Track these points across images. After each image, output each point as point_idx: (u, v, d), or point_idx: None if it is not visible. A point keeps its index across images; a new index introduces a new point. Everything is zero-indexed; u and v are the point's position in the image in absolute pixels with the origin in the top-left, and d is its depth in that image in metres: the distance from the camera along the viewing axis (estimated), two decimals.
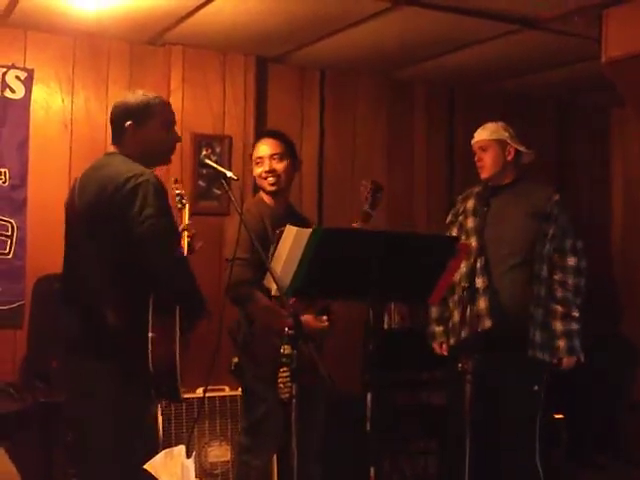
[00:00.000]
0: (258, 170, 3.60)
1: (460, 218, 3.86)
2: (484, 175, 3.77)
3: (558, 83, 5.14)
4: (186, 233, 3.21)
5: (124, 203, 2.70)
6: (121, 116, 2.93)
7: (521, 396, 3.67)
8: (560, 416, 4.36)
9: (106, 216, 2.75)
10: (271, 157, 3.58)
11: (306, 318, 3.44)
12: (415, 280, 2.87)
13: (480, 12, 3.85)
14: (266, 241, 3.48)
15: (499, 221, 3.71)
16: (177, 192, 3.43)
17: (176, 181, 3.51)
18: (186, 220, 3.31)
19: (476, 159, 3.79)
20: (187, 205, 3.40)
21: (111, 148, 2.98)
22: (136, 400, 2.81)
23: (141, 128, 2.92)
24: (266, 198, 3.64)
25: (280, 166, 3.59)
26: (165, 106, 3.01)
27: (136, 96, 2.98)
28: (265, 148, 3.60)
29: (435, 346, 3.83)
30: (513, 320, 3.65)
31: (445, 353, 3.78)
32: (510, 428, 3.64)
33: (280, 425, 3.36)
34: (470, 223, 3.77)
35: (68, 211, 2.98)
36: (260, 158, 3.59)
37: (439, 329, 3.82)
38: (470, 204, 3.83)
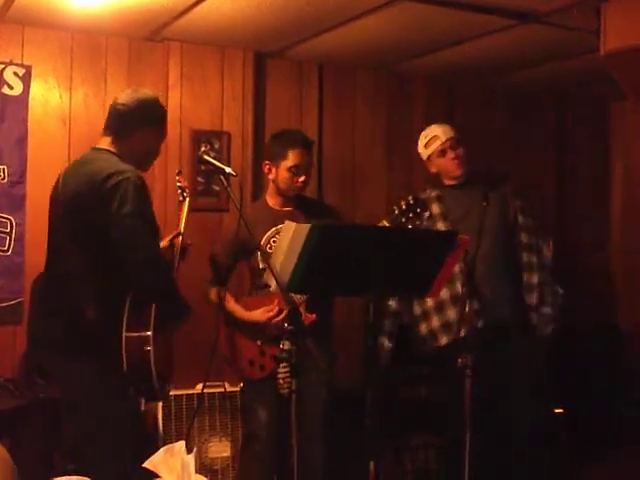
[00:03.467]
0: (293, 178, 3.60)
1: (425, 224, 3.84)
2: (462, 170, 3.84)
3: (557, 77, 5.13)
4: (180, 239, 3.23)
5: (104, 200, 2.73)
6: (145, 116, 2.97)
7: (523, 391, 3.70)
8: (560, 411, 4.36)
9: (86, 212, 2.79)
10: (307, 168, 3.63)
11: (254, 312, 3.54)
12: (414, 275, 2.87)
13: (479, 6, 3.84)
14: (251, 243, 3.49)
15: (467, 221, 3.73)
16: (178, 185, 3.44)
17: (179, 173, 3.53)
18: (182, 225, 3.32)
19: (452, 156, 3.83)
20: (188, 199, 3.40)
21: (102, 142, 2.98)
22: (115, 398, 2.85)
23: (148, 131, 2.99)
24: (273, 201, 3.68)
25: (309, 174, 3.67)
26: (167, 118, 3.13)
27: (158, 101, 3.07)
28: (302, 157, 3.61)
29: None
30: (509, 312, 3.70)
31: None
32: (523, 420, 3.68)
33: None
34: (442, 227, 3.80)
35: (51, 206, 3.00)
36: (297, 167, 3.59)
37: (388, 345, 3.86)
38: (435, 209, 3.86)
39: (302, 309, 3.49)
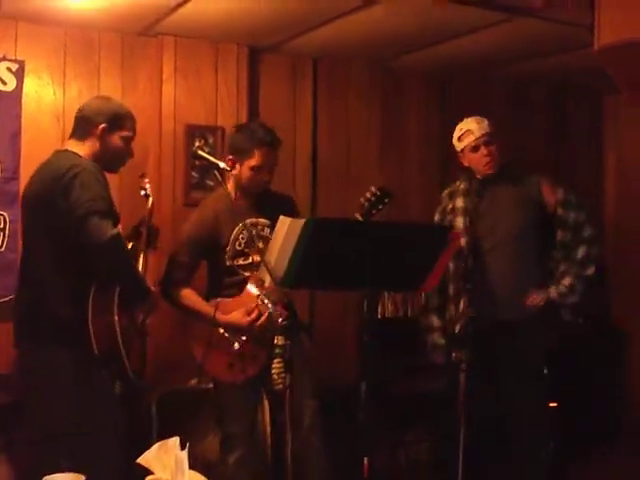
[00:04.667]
0: (256, 177, 3.51)
1: (449, 217, 3.85)
2: (493, 169, 3.77)
3: (551, 71, 5.14)
4: (144, 229, 3.33)
5: (64, 192, 2.92)
6: (97, 116, 3.16)
7: (528, 382, 3.71)
8: (554, 404, 4.36)
9: (48, 207, 2.99)
10: (271, 167, 3.56)
11: (233, 315, 3.46)
12: (408, 269, 2.88)
13: (472, 1, 3.84)
14: (218, 240, 3.52)
15: (492, 213, 3.73)
16: (141, 185, 3.47)
17: (142, 175, 3.53)
18: (148, 216, 3.39)
19: (485, 153, 3.76)
20: (150, 198, 3.44)
21: (66, 144, 3.21)
22: (90, 382, 3.02)
23: (111, 134, 3.16)
24: (232, 194, 3.52)
25: (272, 173, 3.59)
26: (134, 123, 3.26)
27: (115, 103, 3.29)
28: (268, 158, 3.52)
29: (434, 357, 3.85)
30: (511, 313, 3.69)
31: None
32: (521, 414, 3.68)
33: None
34: (460, 223, 3.78)
35: (21, 207, 3.28)
36: (261, 167, 3.51)
37: (440, 340, 3.82)
38: (459, 202, 3.84)
39: (242, 310, 3.45)
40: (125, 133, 3.21)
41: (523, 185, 3.80)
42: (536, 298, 3.72)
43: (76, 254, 2.94)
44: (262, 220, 3.56)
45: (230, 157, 3.54)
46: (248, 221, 3.48)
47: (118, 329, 2.98)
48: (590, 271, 3.72)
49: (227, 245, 3.52)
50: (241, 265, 3.54)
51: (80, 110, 3.24)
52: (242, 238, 3.52)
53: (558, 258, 3.76)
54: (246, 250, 3.52)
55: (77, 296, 2.97)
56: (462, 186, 3.88)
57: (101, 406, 3.05)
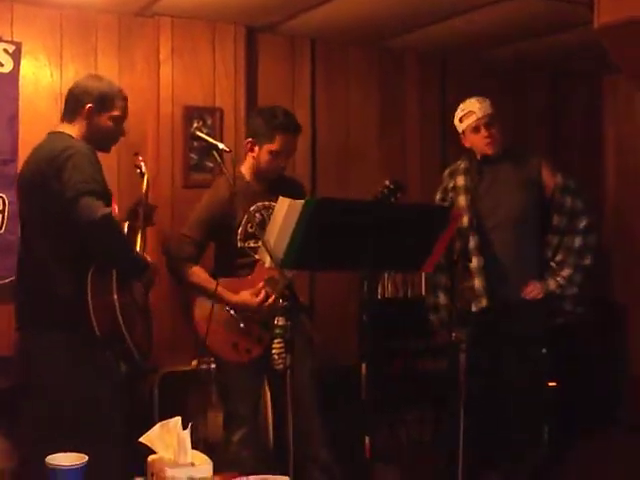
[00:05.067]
0: (275, 161, 3.54)
1: (450, 195, 3.85)
2: (495, 150, 3.76)
3: (550, 50, 5.11)
4: (141, 208, 3.36)
5: (57, 174, 2.92)
6: (84, 96, 3.13)
7: (528, 362, 3.72)
8: (553, 384, 4.38)
9: (42, 189, 2.99)
10: (289, 153, 3.59)
11: (242, 295, 3.46)
12: (409, 249, 2.88)
13: None
14: (230, 221, 3.53)
15: (493, 193, 3.73)
16: (136, 164, 3.52)
17: (136, 154, 3.58)
18: (144, 195, 3.43)
19: (485, 134, 3.76)
20: (146, 177, 3.48)
21: (58, 126, 3.18)
22: (94, 364, 3.03)
23: (99, 114, 3.14)
24: (248, 176, 3.62)
25: (289, 159, 3.64)
26: (124, 102, 3.22)
27: (103, 83, 3.21)
28: (289, 143, 3.56)
29: (441, 334, 3.85)
30: (511, 293, 3.69)
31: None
32: (520, 394, 3.69)
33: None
34: (462, 201, 3.78)
35: (17, 190, 3.27)
36: (279, 152, 3.54)
37: (446, 317, 3.82)
38: (460, 181, 3.83)
39: (249, 292, 3.49)
40: (115, 113, 3.18)
41: (524, 167, 3.80)
42: (534, 290, 3.73)
43: (72, 236, 2.95)
44: (274, 204, 3.57)
45: (250, 140, 3.58)
46: (260, 204, 3.51)
47: (118, 308, 2.97)
48: (588, 261, 3.73)
49: (239, 226, 3.53)
50: (252, 247, 3.55)
51: (70, 90, 3.22)
52: (255, 220, 3.53)
53: (554, 244, 3.76)
54: (257, 233, 3.53)
55: (76, 278, 2.97)
56: (463, 165, 3.88)
57: (105, 387, 3.05)
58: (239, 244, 3.55)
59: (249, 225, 3.54)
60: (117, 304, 2.97)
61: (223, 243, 3.62)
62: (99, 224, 2.84)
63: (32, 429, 3.09)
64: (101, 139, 3.18)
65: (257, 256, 3.49)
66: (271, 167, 3.56)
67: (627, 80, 5.13)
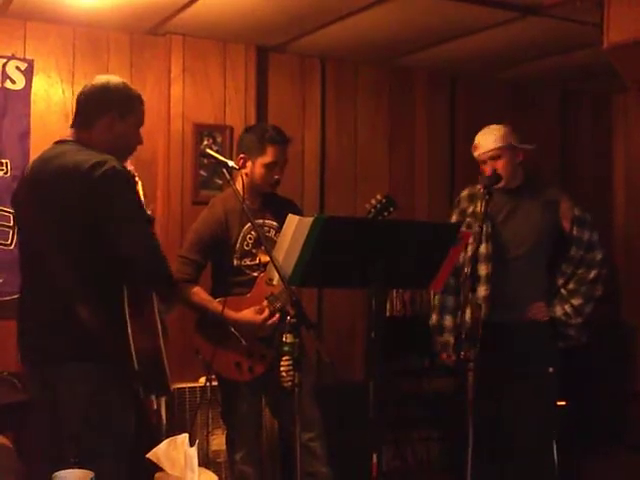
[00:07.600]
0: (269, 175, 3.54)
1: (468, 219, 3.82)
2: (503, 183, 3.74)
3: (560, 70, 5.12)
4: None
5: (92, 194, 2.57)
6: (103, 102, 2.76)
7: (536, 382, 3.70)
8: (562, 403, 4.36)
9: (71, 209, 2.61)
10: (282, 164, 3.58)
11: (245, 313, 3.47)
12: (417, 267, 2.87)
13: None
14: (226, 240, 3.52)
15: (511, 225, 3.73)
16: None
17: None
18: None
19: (486, 170, 3.74)
20: (139, 182, 3.29)
21: (68, 134, 2.79)
22: (121, 399, 2.67)
23: (122, 121, 2.78)
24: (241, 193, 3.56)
25: (283, 172, 3.61)
26: (143, 104, 2.87)
27: (120, 85, 2.82)
28: (280, 154, 3.56)
29: (444, 356, 3.84)
30: (516, 316, 3.69)
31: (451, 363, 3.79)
32: (527, 414, 3.67)
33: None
34: (484, 228, 3.75)
35: (20, 207, 2.85)
36: (274, 163, 3.54)
37: (451, 339, 3.80)
38: (479, 208, 3.81)
39: (252, 309, 3.47)
40: (137, 117, 2.84)
41: (543, 199, 3.79)
42: (539, 311, 3.73)
43: (104, 259, 2.60)
44: (268, 222, 3.58)
45: (241, 156, 3.57)
46: (256, 222, 3.50)
47: (162, 339, 2.66)
48: (599, 292, 3.75)
49: (235, 244, 3.53)
50: (248, 265, 3.55)
51: (85, 92, 2.80)
52: (250, 238, 3.53)
53: (567, 273, 3.76)
54: (253, 250, 3.54)
55: (108, 303, 2.61)
56: (482, 191, 3.86)
57: (130, 420, 2.71)
58: (235, 262, 3.54)
59: (245, 243, 3.54)
60: (160, 332, 2.67)
61: (220, 262, 3.61)
62: (152, 257, 2.62)
63: (39, 444, 2.89)
64: (123, 147, 2.82)
65: (262, 274, 3.49)
66: (266, 180, 3.55)
67: (635, 99, 5.14)
